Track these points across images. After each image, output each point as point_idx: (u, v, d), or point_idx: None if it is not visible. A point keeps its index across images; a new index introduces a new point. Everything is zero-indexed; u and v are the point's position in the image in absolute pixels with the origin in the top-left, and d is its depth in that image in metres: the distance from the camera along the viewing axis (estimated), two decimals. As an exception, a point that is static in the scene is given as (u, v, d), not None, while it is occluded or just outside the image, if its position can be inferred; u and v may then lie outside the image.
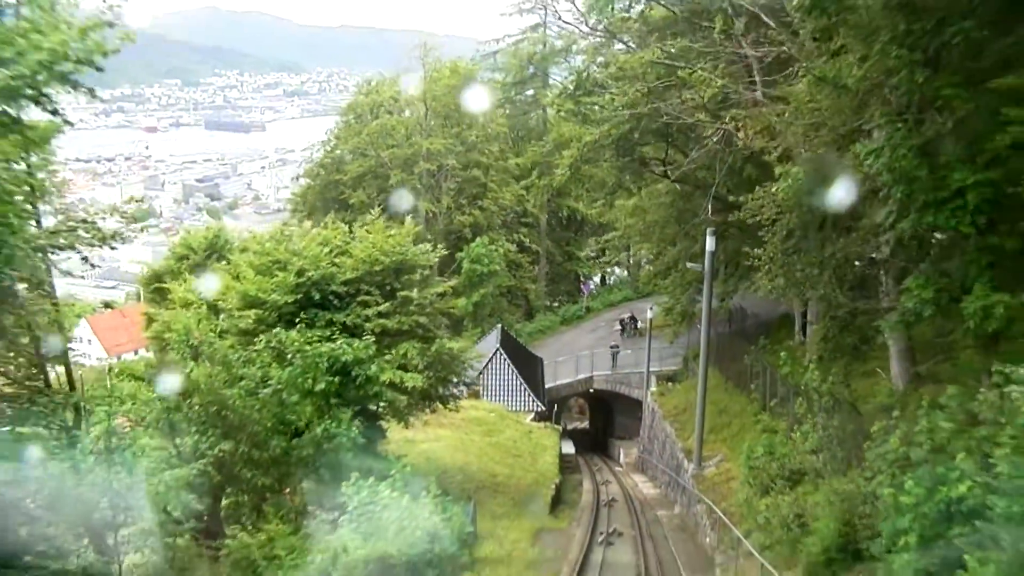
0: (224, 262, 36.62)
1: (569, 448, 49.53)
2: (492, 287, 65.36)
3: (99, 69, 9.97)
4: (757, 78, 26.81)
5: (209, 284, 28.77)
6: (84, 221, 13.85)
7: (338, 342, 21.49)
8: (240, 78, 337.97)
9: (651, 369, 48.26)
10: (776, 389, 28.07)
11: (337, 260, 27.95)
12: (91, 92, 10.83)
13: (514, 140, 78.61)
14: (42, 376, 14.76)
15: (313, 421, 19.05)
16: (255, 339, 22.86)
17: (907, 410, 15.55)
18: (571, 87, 35.56)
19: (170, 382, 17.47)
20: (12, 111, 9.98)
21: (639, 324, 58.63)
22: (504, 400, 49.84)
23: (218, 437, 16.44)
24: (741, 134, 23.98)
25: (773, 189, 18.34)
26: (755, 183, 24.26)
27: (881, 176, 14.60)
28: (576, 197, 49.59)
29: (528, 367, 53.36)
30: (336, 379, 20.46)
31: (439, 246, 31.52)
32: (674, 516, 32.60)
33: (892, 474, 13.32)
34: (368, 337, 23.34)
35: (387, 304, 27.54)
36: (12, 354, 13.61)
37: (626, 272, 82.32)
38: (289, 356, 20.10)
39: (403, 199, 69.44)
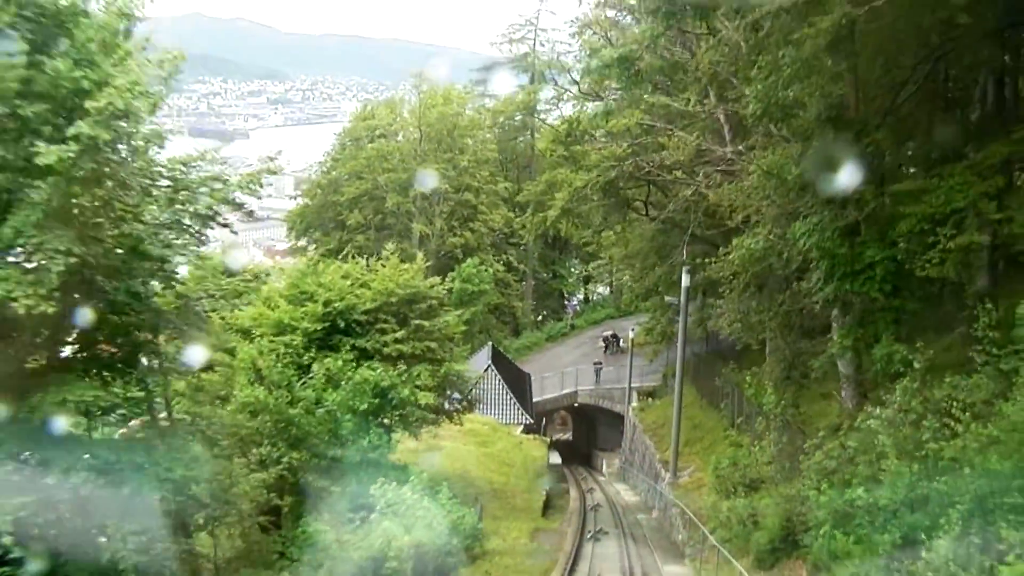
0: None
1: (556, 459, 53.15)
2: (481, 305, 68.85)
3: (258, 198, 13.94)
4: (728, 137, 30.95)
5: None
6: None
7: (377, 370, 25.51)
8: (224, 85, 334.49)
9: (632, 385, 51.66)
10: (743, 408, 32.12)
11: (357, 292, 31.88)
12: (250, 213, 14.87)
13: (502, 163, 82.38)
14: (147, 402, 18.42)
15: (357, 434, 23.08)
16: (288, 360, 26.87)
17: (839, 430, 19.78)
18: (562, 134, 39.47)
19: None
20: (196, 226, 14.03)
21: (621, 342, 61.71)
22: (495, 413, 52.69)
23: (287, 448, 20.48)
24: (711, 194, 28.13)
25: (730, 257, 22.60)
26: (726, 226, 28.52)
27: (811, 252, 18.91)
28: (566, 232, 53.88)
29: (517, 382, 56.57)
30: (376, 400, 24.51)
31: (444, 280, 35.51)
32: (652, 519, 36.57)
33: (818, 481, 17.43)
34: (402, 365, 27.39)
35: (402, 331, 31.54)
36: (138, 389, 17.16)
37: (609, 289, 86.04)
38: (342, 382, 24.15)
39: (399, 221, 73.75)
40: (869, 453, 16.00)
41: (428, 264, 35.37)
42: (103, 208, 12.41)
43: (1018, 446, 11.33)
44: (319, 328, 30.20)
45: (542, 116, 79.40)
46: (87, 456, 12.74)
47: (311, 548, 19.00)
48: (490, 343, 60.52)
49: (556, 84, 59.25)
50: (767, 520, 20.86)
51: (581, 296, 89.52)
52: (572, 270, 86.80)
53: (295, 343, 26.96)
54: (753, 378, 26.34)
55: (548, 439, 55.78)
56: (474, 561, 24.37)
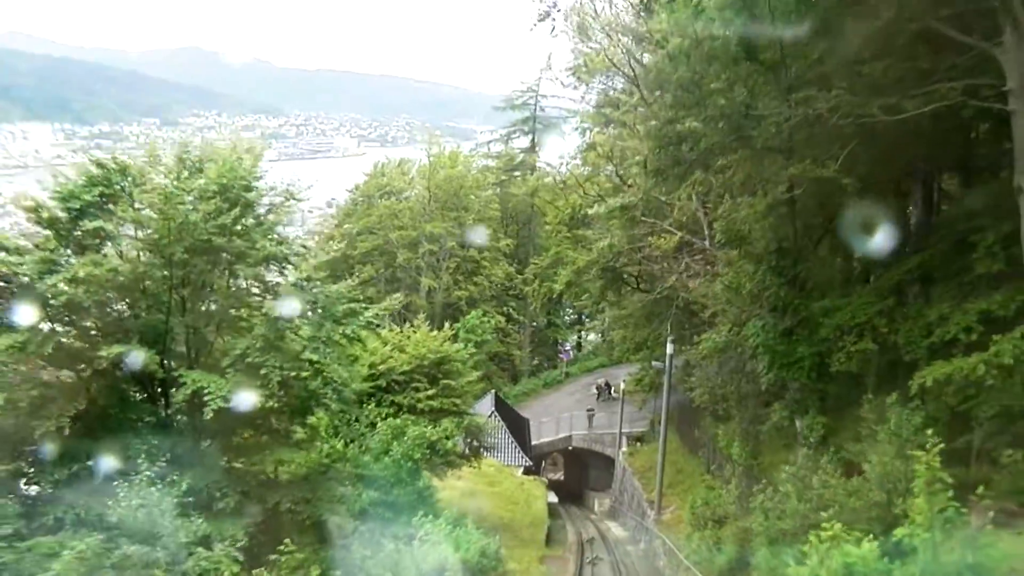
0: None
1: (552, 498, 58.91)
2: (483, 354, 74.38)
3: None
4: (706, 231, 37.54)
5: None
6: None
7: (429, 427, 31.88)
8: (218, 119, 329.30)
9: (623, 430, 57.29)
10: (716, 456, 38.58)
11: (394, 355, 38.31)
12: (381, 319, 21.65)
13: (503, 219, 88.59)
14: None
15: (412, 477, 29.43)
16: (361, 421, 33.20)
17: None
18: (566, 218, 46.32)
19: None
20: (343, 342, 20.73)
21: (613, 390, 66.90)
22: (499, 456, 57.35)
23: (363, 487, 26.82)
24: (691, 283, 34.90)
25: (700, 347, 29.44)
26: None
27: (758, 348, 25.61)
28: (569, 299, 60.36)
29: (517, 427, 61.85)
30: (428, 451, 30.89)
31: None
32: (639, 550, 42.65)
33: (759, 516, 23.83)
34: (444, 422, 33.82)
35: (433, 389, 37.96)
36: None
37: (601, 337, 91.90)
38: (404, 437, 30.47)
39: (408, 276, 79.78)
40: (786, 496, 22.51)
41: (447, 320, 41.89)
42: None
43: (867, 493, 17.92)
44: (366, 388, 36.52)
45: (542, 172, 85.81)
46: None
47: (384, 562, 25.17)
48: (493, 391, 65.44)
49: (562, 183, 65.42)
50: (727, 546, 27.35)
51: (574, 340, 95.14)
52: (566, 319, 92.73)
53: (369, 407, 33.30)
54: (723, 432, 32.96)
55: (545, 480, 61.56)
56: (498, 578, 30.70)
